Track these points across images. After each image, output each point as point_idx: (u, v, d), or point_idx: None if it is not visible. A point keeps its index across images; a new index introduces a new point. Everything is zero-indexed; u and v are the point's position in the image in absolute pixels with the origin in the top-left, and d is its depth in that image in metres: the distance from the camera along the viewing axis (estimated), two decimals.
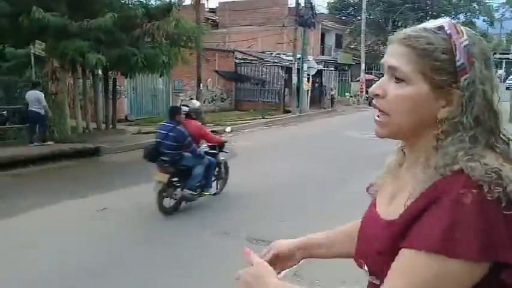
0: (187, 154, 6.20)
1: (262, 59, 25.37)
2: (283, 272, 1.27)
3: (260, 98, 23.76)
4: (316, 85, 26.00)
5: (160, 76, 14.99)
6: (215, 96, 23.03)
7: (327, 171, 9.33)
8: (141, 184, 7.98)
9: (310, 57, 23.65)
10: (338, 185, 8.13)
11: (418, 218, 0.86)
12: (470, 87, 0.88)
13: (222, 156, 7.18)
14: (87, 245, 5.06)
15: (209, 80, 21.93)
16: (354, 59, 35.13)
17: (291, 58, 23.04)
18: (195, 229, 5.62)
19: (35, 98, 10.46)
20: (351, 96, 29.94)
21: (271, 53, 27.51)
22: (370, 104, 28.39)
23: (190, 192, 6.38)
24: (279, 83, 23.86)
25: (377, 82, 0.99)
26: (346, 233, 1.28)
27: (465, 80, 0.88)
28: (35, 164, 9.44)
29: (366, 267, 1.00)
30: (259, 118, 19.34)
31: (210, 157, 6.69)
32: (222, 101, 23.54)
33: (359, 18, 34.67)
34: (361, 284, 1.07)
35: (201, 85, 16.66)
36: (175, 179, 6.23)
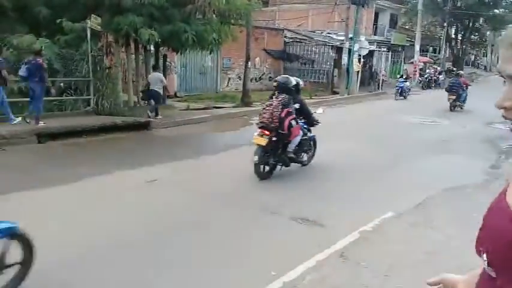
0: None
1: (312, 38, 24.89)
2: None
3: (308, 78, 23.41)
4: (367, 66, 25.25)
5: (210, 53, 15.05)
6: (263, 74, 22.94)
7: (376, 155, 9.11)
8: (189, 159, 8.17)
9: (362, 37, 22.93)
10: (387, 170, 7.94)
11: None
12: None
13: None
14: (136, 214, 5.23)
15: (257, 58, 21.82)
16: (408, 40, 33.76)
17: (341, 38, 22.45)
18: (240, 206, 5.66)
19: (156, 78, 11.89)
20: None
21: (322, 32, 26.91)
22: (423, 87, 27.37)
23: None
24: (328, 63, 23.39)
25: (503, 94, 0.93)
26: None
27: None
28: (88, 134, 9.83)
29: (485, 257, 0.95)
30: (307, 98, 19.07)
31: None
32: (270, 80, 23.35)
33: None
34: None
35: (249, 63, 16.59)
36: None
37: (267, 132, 6.74)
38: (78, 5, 11.26)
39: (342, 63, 21.36)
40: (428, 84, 27.60)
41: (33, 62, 9.48)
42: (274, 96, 7.04)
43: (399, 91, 20.71)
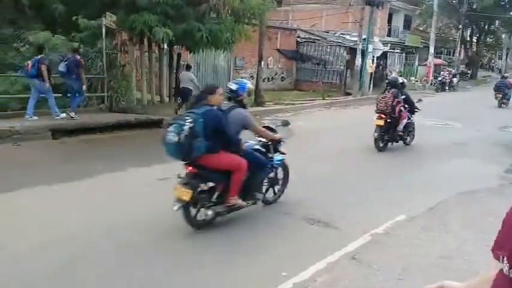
0: None
1: (325, 38, 24.81)
2: None
3: (321, 79, 23.36)
4: (381, 67, 25.09)
5: (223, 52, 15.06)
6: (275, 74, 22.92)
7: (388, 158, 9.06)
8: None
9: (376, 38, 22.82)
10: (399, 172, 7.88)
11: None
12: None
13: None
14: (147, 210, 5.26)
15: (270, 58, 21.82)
16: (422, 42, 33.46)
17: (355, 38, 22.35)
18: (254, 206, 5.66)
19: (187, 78, 12.64)
20: (417, 81, 28.64)
21: (335, 33, 26.81)
22: (437, 90, 27.07)
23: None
24: (341, 64, 23.29)
25: None
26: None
27: None
28: (102, 131, 9.92)
29: (505, 261, 0.94)
30: (319, 99, 19.05)
31: None
32: (282, 80, 23.39)
33: None
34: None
35: (262, 63, 16.59)
36: None
37: (383, 116, 9.12)
38: (93, 2, 11.36)
39: (355, 64, 21.26)
40: (442, 87, 27.30)
41: (71, 59, 10.05)
42: (386, 91, 9.59)
43: None
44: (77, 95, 10.24)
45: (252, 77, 19.68)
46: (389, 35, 32.06)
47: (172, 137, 4.42)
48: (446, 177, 7.65)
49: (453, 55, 38.98)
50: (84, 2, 11.52)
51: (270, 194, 5.73)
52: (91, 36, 11.39)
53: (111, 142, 9.47)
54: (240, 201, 4.93)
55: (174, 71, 14.00)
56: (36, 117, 9.67)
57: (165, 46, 13.27)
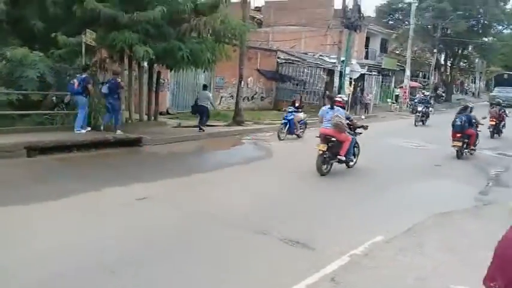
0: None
1: (304, 59, 25.21)
2: None
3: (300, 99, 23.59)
4: (358, 89, 25.51)
5: (204, 72, 15.14)
6: (255, 94, 23.07)
7: (366, 178, 9.15)
8: (180, 177, 8.13)
9: (354, 61, 23.29)
10: (375, 192, 7.97)
11: None
12: None
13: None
14: (124, 232, 5.17)
15: (250, 78, 21.99)
16: (398, 65, 34.33)
17: (334, 60, 22.78)
18: (230, 226, 5.63)
19: (204, 96, 13.78)
20: (393, 103, 29.24)
21: (314, 55, 27.28)
22: (413, 111, 27.63)
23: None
24: (320, 85, 23.61)
25: None
26: None
27: None
28: (79, 150, 9.75)
29: None
30: None
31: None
32: (262, 100, 23.56)
33: (406, 23, 33.77)
34: None
35: (242, 83, 16.71)
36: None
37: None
38: (73, 19, 11.29)
39: (334, 86, 21.60)
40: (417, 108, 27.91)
41: (112, 82, 11.21)
42: None
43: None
44: (117, 112, 11.35)
45: (232, 96, 19.78)
46: (366, 57, 32.79)
47: None
48: (422, 198, 7.77)
49: (428, 78, 40.09)
50: (64, 19, 11.46)
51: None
52: (70, 53, 11.30)
53: (88, 161, 9.32)
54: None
55: (154, 89, 13.96)
56: (89, 128, 10.96)
57: (145, 64, 13.25)
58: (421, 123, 20.16)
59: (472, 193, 8.26)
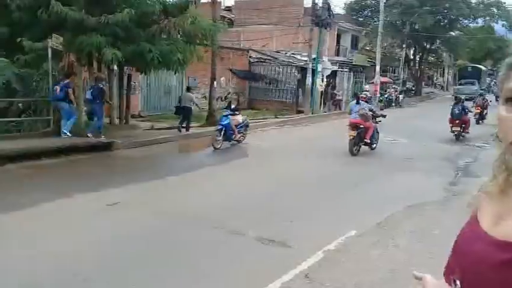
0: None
1: (276, 58, 25.30)
2: None
3: (273, 98, 23.71)
4: (330, 86, 25.77)
5: (175, 73, 15.03)
6: (228, 94, 23.01)
7: (339, 174, 9.27)
8: (152, 180, 8.05)
9: (325, 58, 23.49)
10: (350, 187, 8.08)
11: None
12: None
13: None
14: (96, 239, 5.09)
15: (223, 78, 21.94)
16: (369, 61, 34.82)
17: (305, 58, 22.92)
18: (205, 228, 5.61)
19: (188, 98, 14.11)
20: None
21: (286, 53, 27.41)
22: (384, 106, 28.11)
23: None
24: (293, 83, 23.76)
25: None
26: None
27: None
28: (48, 156, 9.51)
29: (458, 284, 0.95)
30: (272, 117, 19.30)
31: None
32: (237, 100, 23.52)
33: (376, 19, 34.29)
34: None
35: (215, 83, 16.65)
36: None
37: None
38: (39, 23, 11.00)
39: (306, 83, 21.76)
40: (389, 103, 28.43)
41: (95, 87, 11.41)
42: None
43: None
44: (100, 118, 11.48)
45: (205, 97, 19.68)
46: (337, 54, 33.13)
47: None
48: (394, 191, 7.92)
49: (398, 73, 40.82)
50: (29, 24, 11.14)
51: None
52: (36, 58, 11.01)
53: (57, 167, 9.11)
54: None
55: (125, 92, 13.77)
56: (70, 135, 10.72)
57: (115, 67, 13.06)
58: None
59: (442, 184, 8.47)
